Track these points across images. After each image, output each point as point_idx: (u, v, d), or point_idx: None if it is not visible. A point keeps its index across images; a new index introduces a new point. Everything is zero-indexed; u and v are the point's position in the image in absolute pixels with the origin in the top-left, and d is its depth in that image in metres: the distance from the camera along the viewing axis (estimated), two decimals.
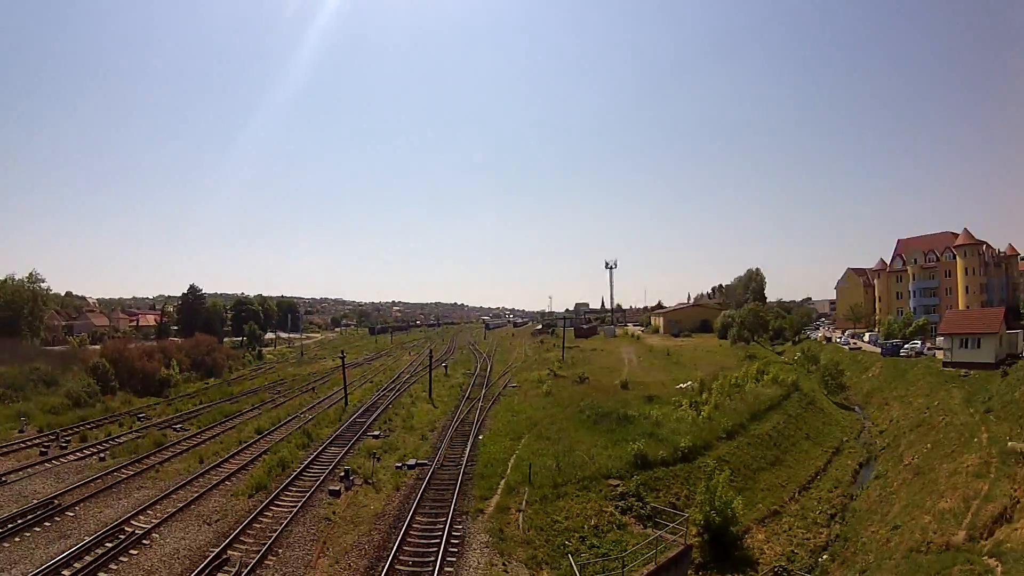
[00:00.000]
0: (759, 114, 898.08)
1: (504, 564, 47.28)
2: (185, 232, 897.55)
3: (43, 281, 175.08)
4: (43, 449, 76.48)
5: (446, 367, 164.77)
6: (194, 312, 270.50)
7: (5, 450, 75.71)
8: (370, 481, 65.14)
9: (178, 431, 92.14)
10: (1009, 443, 65.20)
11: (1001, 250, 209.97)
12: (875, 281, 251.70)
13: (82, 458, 74.24)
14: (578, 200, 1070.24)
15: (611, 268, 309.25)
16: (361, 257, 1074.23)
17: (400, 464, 71.57)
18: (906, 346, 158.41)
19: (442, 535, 50.44)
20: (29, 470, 68.06)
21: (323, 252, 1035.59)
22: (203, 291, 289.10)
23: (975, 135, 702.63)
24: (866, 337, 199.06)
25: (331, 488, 61.79)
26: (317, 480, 64.54)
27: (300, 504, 56.83)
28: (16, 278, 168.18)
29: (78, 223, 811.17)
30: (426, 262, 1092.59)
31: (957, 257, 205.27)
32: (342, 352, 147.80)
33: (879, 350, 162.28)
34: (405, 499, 60.20)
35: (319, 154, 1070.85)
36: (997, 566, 42.74)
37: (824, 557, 58.40)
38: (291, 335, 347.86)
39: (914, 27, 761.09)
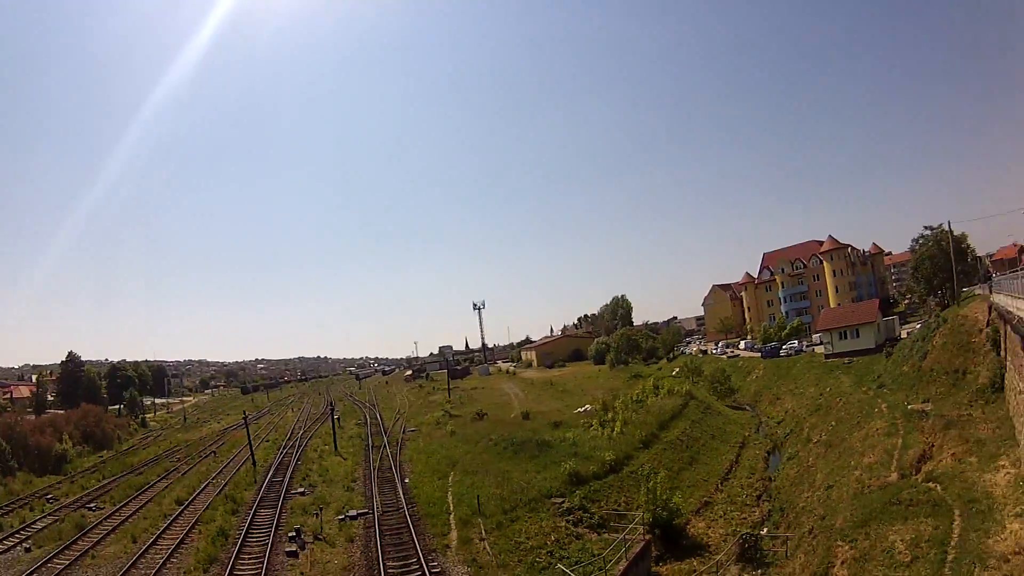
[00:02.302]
0: (609, 138, 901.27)
1: None
2: (27, 295, 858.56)
3: None
4: None
5: (338, 419, 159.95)
6: (74, 381, 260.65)
7: None
8: (320, 537, 63.66)
9: (94, 510, 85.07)
10: (909, 406, 74.59)
11: (865, 249, 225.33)
12: (742, 294, 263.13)
13: (5, 550, 67.22)
14: (433, 244, 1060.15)
15: (479, 308, 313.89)
16: (220, 316, 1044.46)
17: (342, 516, 70.04)
18: (785, 347, 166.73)
19: (423, 574, 51.03)
20: None
21: (180, 313, 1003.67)
22: (82, 359, 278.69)
23: (825, 142, 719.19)
24: (742, 345, 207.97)
25: (287, 550, 60.15)
26: (266, 544, 61.39)
27: (263, 571, 54.47)
28: None
29: None
30: (285, 317, 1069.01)
31: (824, 262, 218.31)
32: (245, 413, 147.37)
33: (759, 354, 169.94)
34: (365, 548, 59.90)
35: (172, 209, 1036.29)
36: (936, 486, 50.25)
37: (766, 528, 63.24)
38: (163, 400, 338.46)
39: (758, 46, 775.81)
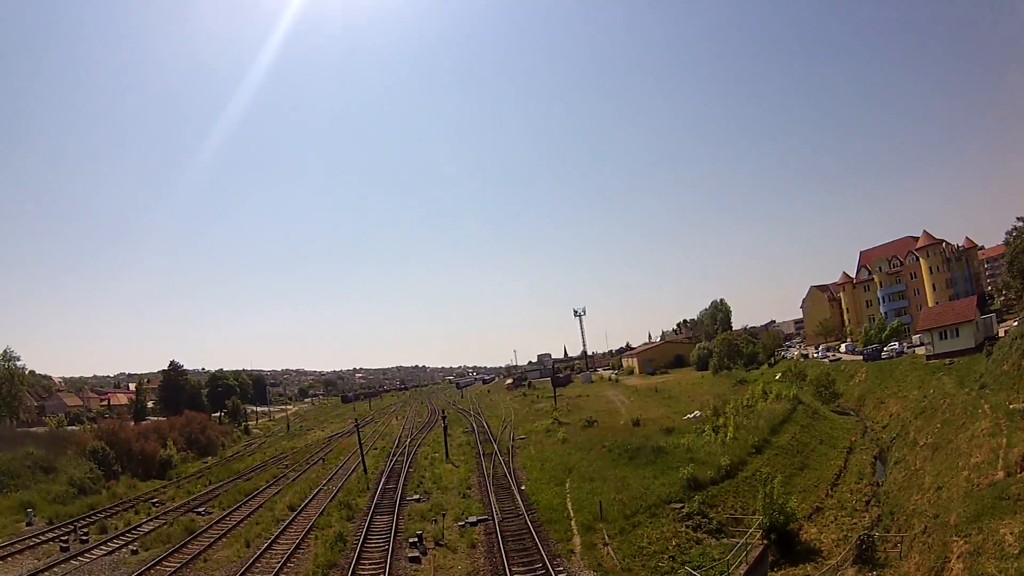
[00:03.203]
0: (705, 140, 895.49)
1: None
2: (121, 305, 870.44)
3: (19, 359, 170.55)
4: (63, 544, 71.27)
5: (446, 427, 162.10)
6: (176, 389, 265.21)
7: (19, 547, 70.27)
8: (442, 543, 63.44)
9: (203, 515, 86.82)
10: (1011, 406, 73.75)
11: (960, 245, 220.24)
12: (840, 295, 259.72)
13: (110, 552, 68.47)
14: (529, 251, 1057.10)
15: (580, 316, 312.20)
16: (316, 325, 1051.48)
17: (462, 523, 69.83)
18: (886, 348, 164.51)
19: None
20: (55, 569, 62.22)
21: (276, 322, 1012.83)
22: (184, 367, 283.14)
23: (918, 138, 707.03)
24: (842, 348, 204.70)
25: (409, 555, 59.71)
26: (386, 550, 61.28)
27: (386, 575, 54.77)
28: None
29: (15, 292, 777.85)
30: (382, 327, 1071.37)
31: (920, 259, 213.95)
32: (356, 420, 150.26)
33: (860, 357, 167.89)
34: (488, 554, 59.85)
35: (268, 216, 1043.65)
36: None
37: (877, 532, 64.45)
38: (264, 408, 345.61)
39: (850, 34, 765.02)
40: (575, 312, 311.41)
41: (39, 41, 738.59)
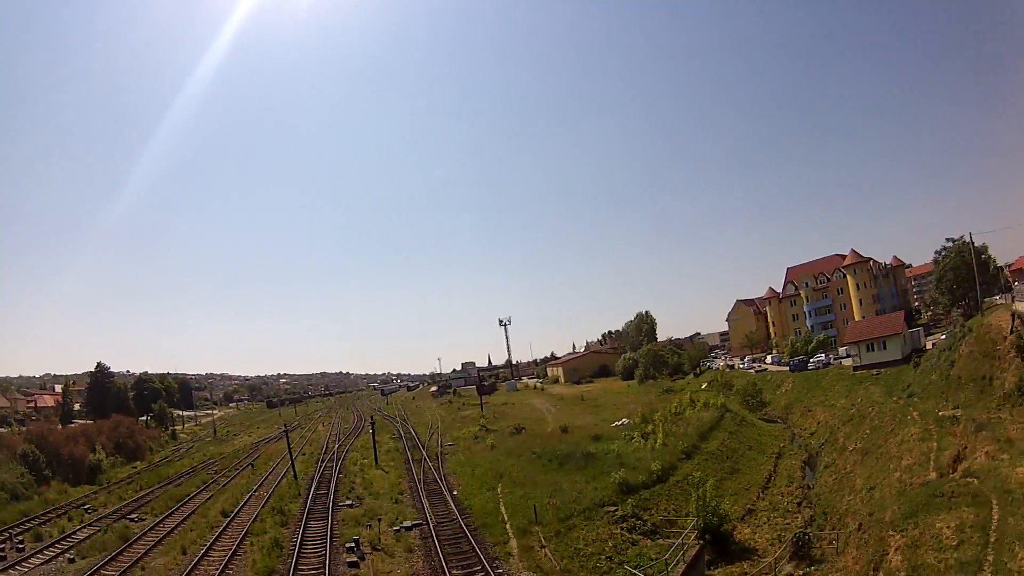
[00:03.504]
0: (629, 156, 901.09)
1: None
2: (48, 306, 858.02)
3: None
4: None
5: (371, 434, 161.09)
6: (103, 392, 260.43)
7: None
8: (378, 548, 63.05)
9: (136, 521, 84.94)
10: (940, 413, 77.89)
11: (887, 262, 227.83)
12: (766, 308, 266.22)
13: (48, 560, 66.84)
14: (454, 260, 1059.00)
15: (505, 325, 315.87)
16: (240, 330, 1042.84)
17: (397, 527, 69.69)
18: (812, 360, 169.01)
19: None
20: None
21: (200, 326, 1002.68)
22: (111, 369, 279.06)
23: (844, 156, 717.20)
24: (769, 359, 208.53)
25: (347, 560, 59.22)
26: (323, 555, 60.81)
27: None
28: None
29: None
30: (306, 333, 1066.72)
31: (847, 275, 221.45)
32: (286, 425, 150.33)
33: (786, 368, 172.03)
34: (426, 557, 60.08)
35: (190, 221, 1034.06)
36: (973, 481, 54.09)
37: (811, 529, 66.33)
38: (190, 412, 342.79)
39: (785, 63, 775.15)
40: (500, 321, 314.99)
41: None
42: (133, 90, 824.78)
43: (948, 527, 45.72)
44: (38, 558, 67.11)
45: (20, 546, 72.16)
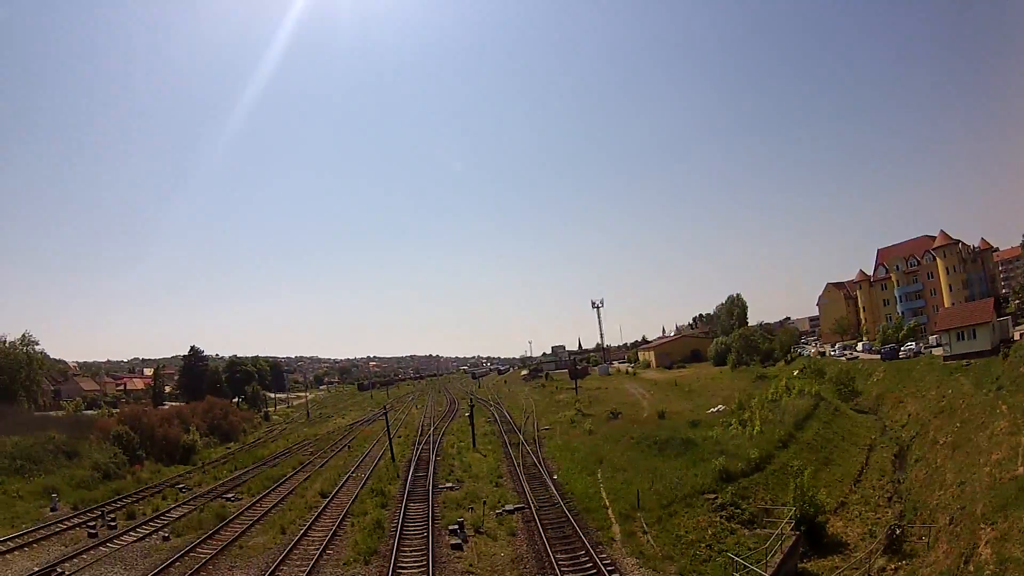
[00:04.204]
0: (722, 135, 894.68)
1: None
2: (139, 291, 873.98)
3: (37, 343, 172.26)
4: (90, 530, 69.44)
5: (469, 417, 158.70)
6: (196, 375, 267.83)
7: (46, 533, 68.81)
8: (481, 531, 64.14)
9: (232, 501, 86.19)
10: None
11: (975, 245, 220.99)
12: (856, 293, 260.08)
13: (141, 538, 67.28)
14: (546, 244, 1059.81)
15: (598, 307, 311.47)
16: (329, 313, 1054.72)
17: (499, 511, 70.72)
18: (903, 348, 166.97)
19: (595, 564, 52.44)
20: (85, 556, 60.38)
21: (289, 309, 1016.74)
22: (205, 353, 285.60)
23: (937, 138, 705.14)
24: (859, 347, 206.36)
25: (451, 543, 60.02)
26: (426, 537, 61.56)
27: (430, 563, 54.18)
28: (7, 340, 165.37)
29: (31, 278, 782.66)
30: (395, 316, 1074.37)
31: (937, 258, 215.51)
32: (384, 406, 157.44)
33: (877, 356, 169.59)
34: (529, 541, 61.02)
35: (281, 205, 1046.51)
36: None
37: (904, 523, 67.23)
38: (282, 395, 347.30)
39: (870, 31, 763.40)
40: (593, 304, 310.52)
41: (57, 32, 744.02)
42: (207, 76, 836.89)
43: None
44: (131, 535, 68.21)
45: (112, 524, 73.22)
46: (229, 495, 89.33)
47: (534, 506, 71.50)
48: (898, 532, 62.44)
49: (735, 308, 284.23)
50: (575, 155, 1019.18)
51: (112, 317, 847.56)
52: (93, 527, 70.42)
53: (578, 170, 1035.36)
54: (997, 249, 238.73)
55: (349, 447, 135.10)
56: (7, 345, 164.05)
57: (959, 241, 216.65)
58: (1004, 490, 57.04)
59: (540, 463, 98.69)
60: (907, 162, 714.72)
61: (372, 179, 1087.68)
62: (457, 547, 59.01)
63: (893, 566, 57.86)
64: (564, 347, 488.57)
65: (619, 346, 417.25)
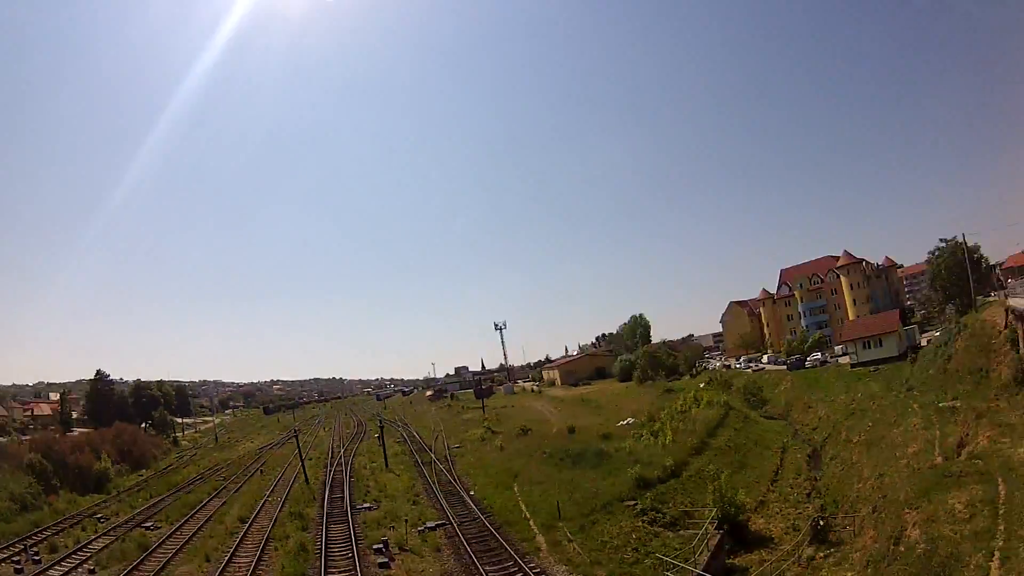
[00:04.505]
0: (622, 158, 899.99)
1: None
2: (39, 312, 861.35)
3: None
4: (15, 565, 67.50)
5: (379, 437, 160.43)
6: (103, 400, 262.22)
7: None
8: (405, 548, 63.53)
9: (152, 529, 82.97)
10: (940, 404, 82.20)
11: (880, 263, 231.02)
12: (760, 309, 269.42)
13: (66, 572, 64.61)
14: (445, 266, 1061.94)
15: (501, 329, 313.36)
16: (231, 336, 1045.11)
17: (421, 528, 70.11)
18: (809, 359, 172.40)
19: (526, 574, 53.22)
20: None
21: (192, 333, 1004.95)
22: (111, 377, 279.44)
23: (837, 158, 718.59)
24: (765, 359, 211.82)
25: (378, 562, 59.45)
26: (351, 557, 60.69)
27: None
28: None
29: None
30: (297, 338, 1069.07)
31: (841, 276, 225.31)
32: (294, 429, 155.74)
33: (783, 367, 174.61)
34: (456, 555, 60.93)
35: (183, 229, 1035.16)
36: (979, 462, 57.73)
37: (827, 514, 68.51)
38: (189, 420, 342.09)
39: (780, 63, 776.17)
40: (496, 325, 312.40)
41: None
42: (128, 94, 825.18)
43: (960, 503, 48.56)
44: (56, 569, 65.63)
45: (36, 558, 70.72)
46: (148, 524, 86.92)
47: (455, 521, 71.34)
48: (822, 523, 64.32)
49: (638, 327, 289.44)
50: (478, 183, 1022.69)
51: (15, 339, 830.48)
52: (18, 562, 68.77)
53: (479, 196, 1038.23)
54: (902, 266, 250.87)
55: (262, 471, 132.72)
56: None
57: (863, 260, 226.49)
58: (924, 477, 59.15)
59: (455, 480, 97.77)
60: (811, 182, 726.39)
61: (274, 202, 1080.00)
62: (384, 565, 58.76)
63: (822, 554, 59.46)
64: (467, 368, 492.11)
65: (523, 365, 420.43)
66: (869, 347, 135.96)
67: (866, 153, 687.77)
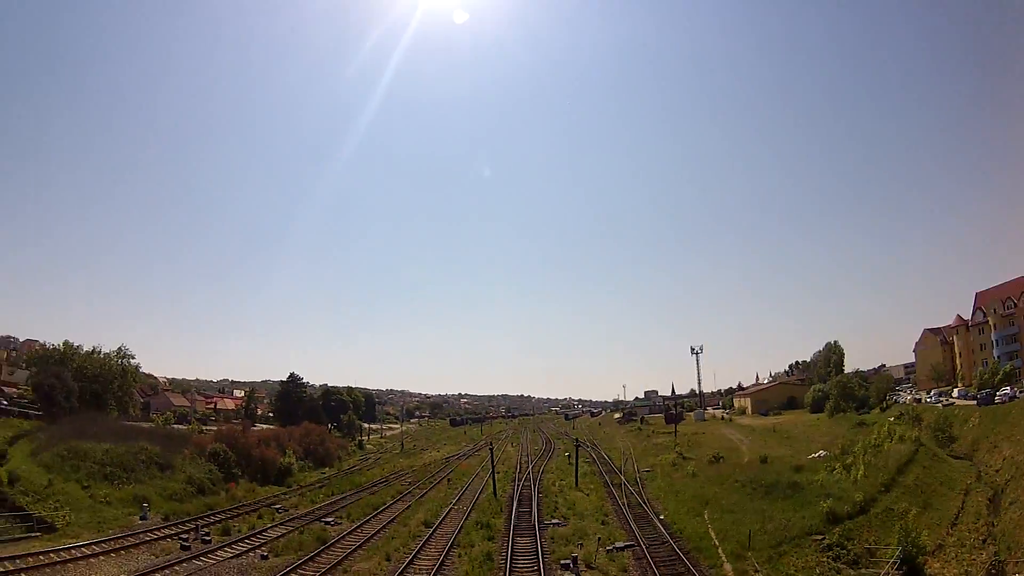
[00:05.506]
0: (809, 182, 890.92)
1: None
2: (238, 319, 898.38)
3: (133, 357, 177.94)
4: (183, 542, 71.57)
5: (569, 456, 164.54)
6: (293, 400, 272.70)
7: (134, 541, 70.27)
8: (592, 566, 65.03)
9: (331, 524, 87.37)
10: None
11: None
12: (953, 338, 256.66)
13: (237, 555, 68.16)
14: (637, 287, 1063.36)
15: (697, 353, 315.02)
16: (420, 348, 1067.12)
17: (609, 547, 71.64)
18: (999, 393, 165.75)
19: None
20: (177, 568, 62.16)
21: (381, 342, 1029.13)
22: (304, 380, 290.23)
23: None
24: (955, 393, 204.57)
25: None
26: (537, 570, 62.92)
27: None
28: (103, 351, 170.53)
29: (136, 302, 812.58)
30: (487, 354, 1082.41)
31: None
32: (489, 441, 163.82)
33: (973, 402, 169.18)
34: None
35: (371, 239, 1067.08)
36: None
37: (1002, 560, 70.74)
38: (375, 426, 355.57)
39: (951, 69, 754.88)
40: (692, 350, 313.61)
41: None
42: (306, 118, 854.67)
43: None
44: (226, 551, 69.47)
45: (206, 538, 75.21)
46: (328, 519, 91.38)
47: (644, 543, 72.95)
48: (999, 567, 67.31)
49: (832, 355, 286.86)
50: (668, 203, 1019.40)
51: (203, 338, 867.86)
52: (186, 539, 73.27)
53: (673, 218, 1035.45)
54: None
55: (449, 480, 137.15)
56: (102, 356, 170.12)
57: None
58: None
59: (645, 503, 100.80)
60: (1003, 203, 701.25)
61: (467, 217, 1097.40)
62: None
63: None
64: (657, 391, 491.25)
65: (713, 392, 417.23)
66: None
67: None
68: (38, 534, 69.82)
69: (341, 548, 71.28)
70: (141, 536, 72.12)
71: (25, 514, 74.09)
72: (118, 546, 66.96)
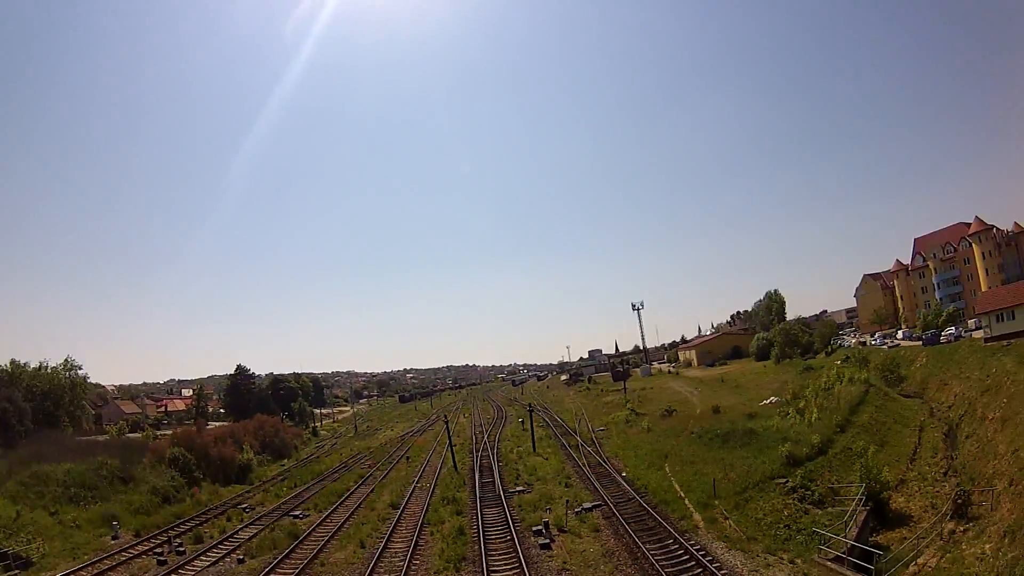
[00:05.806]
0: (747, 133, 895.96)
1: (756, 556, 54.62)
2: (167, 311, 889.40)
3: (80, 368, 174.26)
4: (158, 557, 68.48)
5: (523, 422, 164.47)
6: (243, 393, 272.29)
7: (111, 563, 66.29)
8: (564, 529, 64.85)
9: (301, 518, 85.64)
10: None
11: (1009, 230, 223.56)
12: (894, 282, 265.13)
13: (214, 562, 66.23)
14: (578, 247, 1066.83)
15: (638, 309, 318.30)
16: (362, 328, 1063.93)
17: (577, 509, 71.65)
18: (944, 333, 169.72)
19: (687, 550, 54.61)
20: None
21: (322, 325, 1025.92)
22: (252, 371, 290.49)
23: (970, 128, 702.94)
24: (899, 334, 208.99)
25: (539, 543, 60.51)
26: (510, 540, 61.99)
27: (522, 563, 54.30)
28: (50, 365, 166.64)
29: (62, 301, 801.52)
30: (429, 327, 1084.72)
31: (973, 244, 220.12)
32: (444, 415, 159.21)
33: (918, 343, 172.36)
34: (616, 535, 62.25)
35: (305, 221, 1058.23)
36: None
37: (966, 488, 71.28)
38: (325, 410, 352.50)
39: (901, 29, 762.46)
40: (633, 306, 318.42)
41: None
42: (235, 88, 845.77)
43: None
44: (202, 560, 67.21)
45: (180, 549, 72.13)
46: (296, 512, 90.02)
47: (611, 502, 73.21)
48: (965, 496, 66.88)
49: (774, 304, 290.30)
50: (607, 161, 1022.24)
51: (145, 339, 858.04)
52: (160, 553, 70.51)
53: (609, 175, 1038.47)
54: None
55: (408, 458, 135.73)
56: (49, 370, 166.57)
57: (994, 226, 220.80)
58: None
59: (605, 461, 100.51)
60: (937, 152, 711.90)
61: (396, 190, 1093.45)
62: (546, 547, 59.92)
63: (962, 528, 62.09)
64: (601, 350, 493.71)
65: (657, 347, 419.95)
66: (1002, 320, 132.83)
67: (996, 113, 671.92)
68: (16, 572, 65.86)
69: (314, 541, 70.34)
70: (117, 557, 69.08)
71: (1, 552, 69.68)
72: (96, 571, 64.18)
